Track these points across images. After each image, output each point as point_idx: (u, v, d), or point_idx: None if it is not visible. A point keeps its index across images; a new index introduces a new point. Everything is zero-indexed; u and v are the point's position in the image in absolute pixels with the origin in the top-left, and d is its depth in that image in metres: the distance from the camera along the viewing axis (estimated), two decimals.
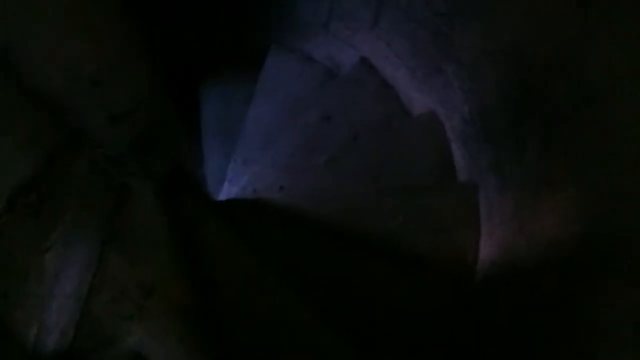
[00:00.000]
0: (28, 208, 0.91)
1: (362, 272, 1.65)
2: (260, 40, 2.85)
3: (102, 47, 0.79)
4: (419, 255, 1.81)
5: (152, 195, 1.22)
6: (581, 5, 1.08)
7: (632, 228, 0.99)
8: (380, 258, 1.76)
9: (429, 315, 1.65)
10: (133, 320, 1.20)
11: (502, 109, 1.65)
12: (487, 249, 1.84)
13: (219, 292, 1.28)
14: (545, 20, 1.25)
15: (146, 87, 1.02)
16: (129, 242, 1.18)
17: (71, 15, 0.71)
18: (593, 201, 1.18)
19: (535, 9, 1.27)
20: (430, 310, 1.67)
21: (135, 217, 1.18)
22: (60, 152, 0.93)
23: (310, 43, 2.70)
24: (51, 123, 0.87)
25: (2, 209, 0.87)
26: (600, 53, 1.06)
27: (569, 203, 1.27)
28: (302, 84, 2.73)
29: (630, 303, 0.96)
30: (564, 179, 1.32)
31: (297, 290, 1.41)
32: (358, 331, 1.52)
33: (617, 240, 1.04)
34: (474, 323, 1.67)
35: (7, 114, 0.79)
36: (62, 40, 0.72)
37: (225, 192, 2.52)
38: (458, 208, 1.95)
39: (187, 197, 1.36)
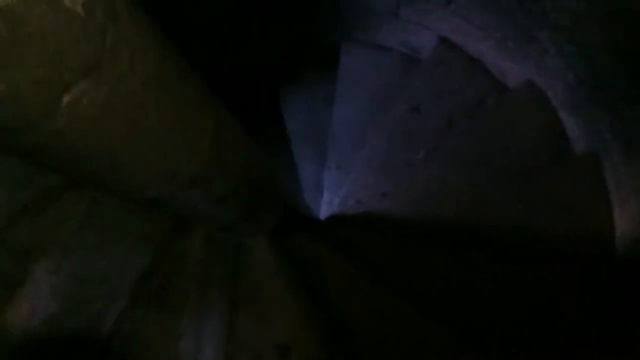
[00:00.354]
0: (153, 298, 0.93)
1: (491, 275, 1.56)
2: (331, 37, 2.77)
3: (197, 149, 0.77)
4: (549, 243, 1.68)
5: (267, 247, 1.21)
6: None
7: None
8: (506, 254, 1.65)
9: (576, 305, 1.53)
10: None
11: (617, 68, 1.47)
12: (623, 223, 1.67)
13: (353, 336, 1.25)
14: None
15: (242, 172, 1.00)
16: (256, 304, 1.18)
17: (170, 132, 0.70)
18: None
19: None
20: (576, 300, 1.55)
21: (257, 277, 1.18)
22: (174, 237, 0.94)
23: (382, 32, 2.59)
24: (161, 217, 0.88)
25: (128, 304, 0.89)
26: None
27: None
28: (382, 75, 2.63)
29: None
30: None
31: (427, 314, 1.35)
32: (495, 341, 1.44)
33: None
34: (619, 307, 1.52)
35: (120, 222, 0.80)
36: (162, 155, 0.70)
37: (327, 202, 2.50)
38: (581, 183, 1.79)
39: (299, 238, 1.34)
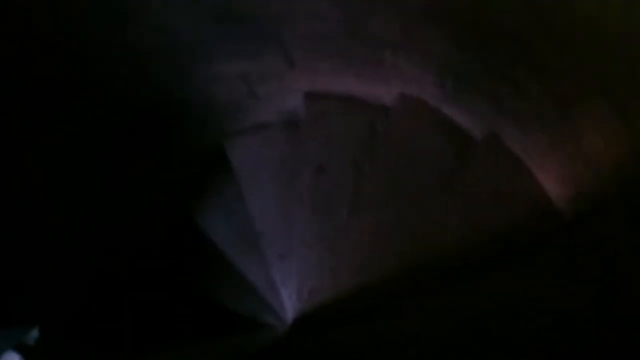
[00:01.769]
0: None
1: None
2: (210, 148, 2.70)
3: None
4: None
5: None
6: None
7: None
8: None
9: None
10: None
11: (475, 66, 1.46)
12: (552, 187, 1.64)
13: None
14: None
15: None
16: None
17: None
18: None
19: None
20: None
21: None
22: None
23: (251, 116, 2.54)
24: None
25: None
26: None
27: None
28: (272, 151, 2.57)
29: None
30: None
31: None
32: None
33: None
34: None
35: None
36: None
37: (287, 297, 2.37)
38: (498, 166, 1.76)
39: None
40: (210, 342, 2.01)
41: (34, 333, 2.13)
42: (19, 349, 2.09)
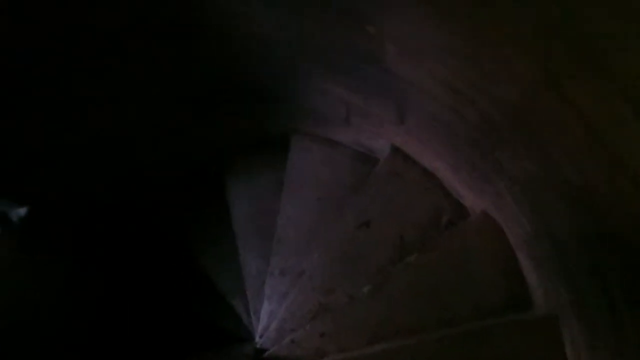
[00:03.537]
0: None
1: None
2: (284, 127, 2.58)
3: None
4: None
5: None
6: None
7: None
8: None
9: None
10: None
11: (578, 248, 1.30)
12: None
13: None
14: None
15: None
16: None
17: None
18: None
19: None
20: None
21: None
22: None
23: (334, 131, 2.40)
24: None
25: None
26: None
27: None
28: (333, 172, 2.44)
29: None
30: None
31: None
32: None
33: None
34: None
35: None
36: None
37: (267, 312, 2.27)
38: (537, 336, 1.60)
39: None
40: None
41: (22, 211, 2.07)
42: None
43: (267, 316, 2.23)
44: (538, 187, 1.33)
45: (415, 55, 1.26)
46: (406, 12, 1.06)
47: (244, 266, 2.63)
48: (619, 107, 0.75)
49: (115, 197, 2.37)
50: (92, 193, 2.24)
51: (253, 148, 2.80)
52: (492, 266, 1.78)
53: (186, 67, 1.98)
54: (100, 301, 2.46)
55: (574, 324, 1.43)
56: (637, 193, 0.84)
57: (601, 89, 0.77)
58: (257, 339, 2.11)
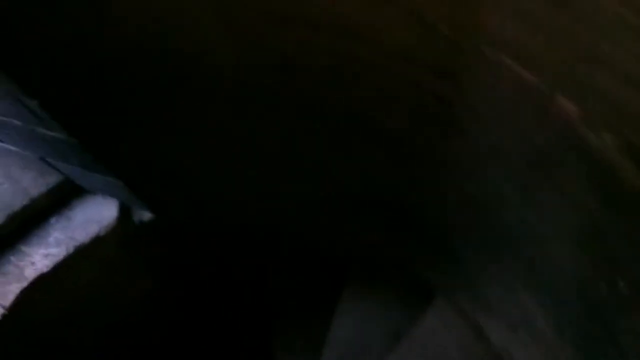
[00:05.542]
0: None
1: None
2: (429, 280, 2.21)
3: None
4: None
5: None
6: None
7: None
8: None
9: None
10: None
11: None
12: None
13: None
14: None
15: None
16: None
17: None
18: None
19: None
20: None
21: None
22: None
23: (491, 315, 1.96)
24: None
25: None
26: None
27: None
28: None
29: None
30: None
31: None
32: None
33: None
34: None
35: None
36: None
37: None
38: None
39: None
40: None
41: (146, 216, 1.97)
42: None
43: None
44: None
45: None
46: None
47: None
48: None
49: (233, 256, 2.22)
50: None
51: (379, 274, 2.43)
52: None
53: None
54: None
55: None
56: None
57: None
58: None
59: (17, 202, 1.82)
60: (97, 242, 1.87)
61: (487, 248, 1.58)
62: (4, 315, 1.75)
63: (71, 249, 1.85)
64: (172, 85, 1.20)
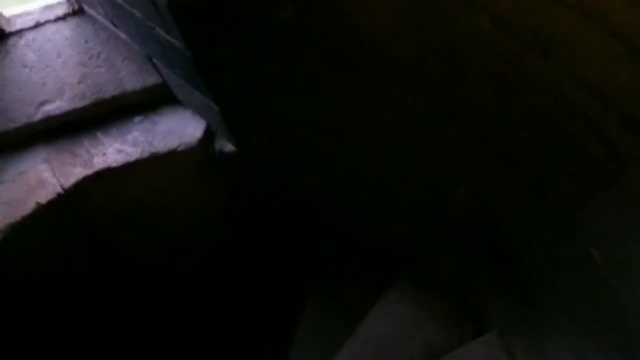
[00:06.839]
0: None
1: None
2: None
3: None
4: None
5: None
6: None
7: None
8: None
9: None
10: None
11: None
12: None
13: None
14: None
15: None
16: None
17: None
18: None
19: None
20: None
21: None
22: None
23: None
24: None
25: None
26: None
27: None
28: None
29: None
30: None
31: None
32: None
33: None
34: None
35: None
36: None
37: None
38: None
39: None
40: None
41: (229, 148, 1.88)
42: None
43: None
44: None
45: None
46: None
47: None
48: None
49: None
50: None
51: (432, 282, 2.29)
52: None
53: None
54: None
55: None
56: None
57: None
58: None
59: (109, 89, 1.74)
60: (172, 156, 1.78)
61: (578, 313, 1.41)
62: (59, 195, 1.70)
63: (145, 154, 1.77)
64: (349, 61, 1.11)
